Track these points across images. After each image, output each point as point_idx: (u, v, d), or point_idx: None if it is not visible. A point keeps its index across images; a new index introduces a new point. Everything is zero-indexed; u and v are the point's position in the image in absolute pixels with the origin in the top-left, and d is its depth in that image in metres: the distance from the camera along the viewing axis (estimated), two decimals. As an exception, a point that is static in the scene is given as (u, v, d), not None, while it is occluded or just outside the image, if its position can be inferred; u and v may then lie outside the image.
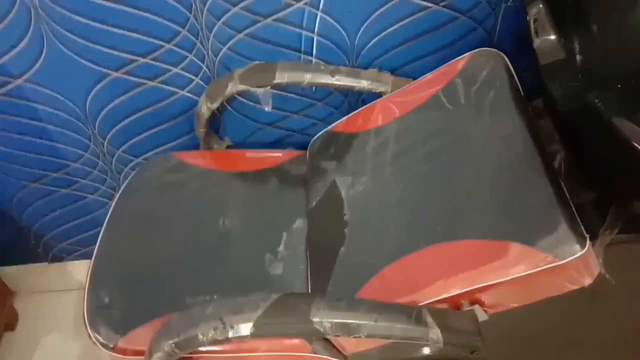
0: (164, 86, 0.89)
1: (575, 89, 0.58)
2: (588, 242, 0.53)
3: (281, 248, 0.75)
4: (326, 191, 0.77)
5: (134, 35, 0.81)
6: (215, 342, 0.53)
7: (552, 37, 0.60)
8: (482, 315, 0.59)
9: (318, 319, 0.53)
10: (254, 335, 0.52)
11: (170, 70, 0.87)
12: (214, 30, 0.81)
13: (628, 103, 0.63)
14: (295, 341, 0.65)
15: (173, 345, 0.54)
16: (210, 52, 0.85)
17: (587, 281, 0.55)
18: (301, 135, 0.96)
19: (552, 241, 0.54)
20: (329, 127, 0.88)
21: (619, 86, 0.64)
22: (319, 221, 0.75)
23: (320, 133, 0.88)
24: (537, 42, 0.61)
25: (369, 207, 0.71)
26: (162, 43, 0.83)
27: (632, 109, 0.61)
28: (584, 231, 0.54)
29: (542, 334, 0.76)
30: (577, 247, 0.53)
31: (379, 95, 0.85)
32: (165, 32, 0.81)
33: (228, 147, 0.96)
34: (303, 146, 0.93)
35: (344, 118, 0.87)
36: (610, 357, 0.78)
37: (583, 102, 0.54)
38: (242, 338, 0.53)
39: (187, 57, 0.85)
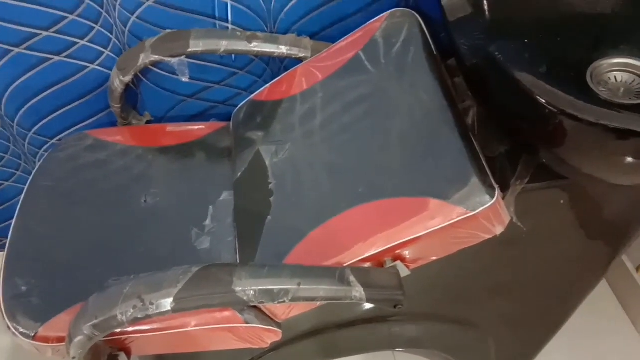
0: (72, 60, 0.84)
1: (480, 43, 0.59)
2: (497, 192, 0.56)
3: (208, 222, 0.74)
4: (251, 161, 0.76)
5: (32, 6, 0.75)
6: (136, 320, 0.52)
7: (459, -7, 0.61)
8: (404, 271, 0.61)
9: (241, 288, 0.53)
10: (175, 310, 0.52)
11: (76, 43, 0.82)
12: (119, -2, 0.77)
13: (532, 57, 0.65)
14: (226, 313, 0.65)
15: (92, 327, 0.53)
16: (118, 21, 0.80)
17: (499, 230, 0.57)
18: (225, 106, 0.94)
19: (464, 194, 0.56)
20: (252, 96, 0.86)
21: (526, 41, 0.66)
22: (244, 192, 0.75)
23: (243, 103, 0.86)
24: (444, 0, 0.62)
25: (293, 174, 0.71)
26: (64, 14, 0.77)
27: (536, 63, 0.63)
28: (493, 182, 0.56)
29: (463, 283, 0.79)
30: (487, 197, 0.55)
31: (300, 61, 0.84)
32: (66, 1, 0.76)
33: (148, 122, 0.92)
34: (228, 118, 0.90)
35: (266, 86, 0.85)
36: (529, 297, 0.83)
37: (486, 56, 0.56)
38: (163, 314, 0.52)
39: (93, 28, 0.80)
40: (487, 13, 0.64)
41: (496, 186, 0.56)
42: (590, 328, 1.08)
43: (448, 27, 0.63)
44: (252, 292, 0.53)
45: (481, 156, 0.59)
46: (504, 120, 0.61)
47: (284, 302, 0.54)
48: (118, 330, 0.62)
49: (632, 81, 0.68)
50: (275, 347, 0.83)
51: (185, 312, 0.55)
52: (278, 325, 0.69)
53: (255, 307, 0.66)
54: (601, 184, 0.66)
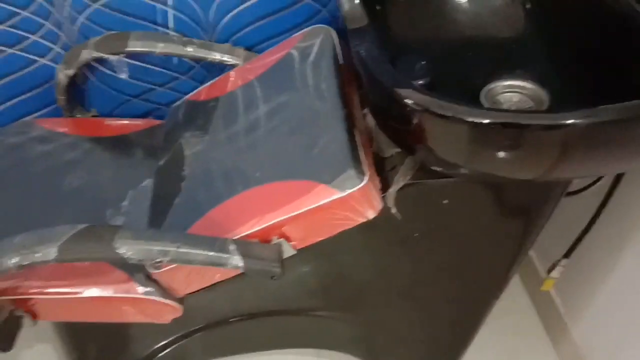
0: (23, 54, 0.91)
1: (368, 51, 0.66)
2: (366, 178, 0.62)
3: (125, 203, 0.79)
4: (172, 151, 0.82)
5: (-12, 1, 0.84)
6: (21, 267, 0.57)
7: (357, 1, 0.68)
8: (289, 251, 0.66)
9: (120, 245, 0.57)
10: (58, 259, 0.56)
11: (28, 38, 0.89)
12: (68, -2, 0.85)
13: (421, 72, 0.73)
14: (124, 285, 0.70)
15: (-18, 272, 0.57)
16: (68, 21, 0.88)
17: (370, 214, 0.63)
18: (168, 109, 1.00)
19: (339, 179, 0.62)
20: (186, 96, 0.93)
21: (422, 57, 0.74)
22: (162, 178, 0.80)
23: (179, 102, 0.93)
24: (344, 8, 0.69)
25: (204, 162, 0.77)
26: (16, 9, 0.85)
27: (423, 77, 0.70)
28: (365, 171, 0.62)
29: (367, 284, 0.84)
30: (357, 181, 0.61)
31: (234, 68, 0.91)
32: (20, -1, 0.84)
33: (93, 117, 0.99)
34: (169, 119, 0.97)
35: (200, 88, 0.92)
36: (435, 301, 0.87)
37: (364, 62, 0.62)
38: (46, 262, 0.56)
39: (43, 25, 0.88)
40: (383, 26, 0.72)
41: (366, 173, 0.62)
42: (509, 345, 1.11)
43: (346, 34, 0.70)
44: (131, 250, 0.58)
45: (358, 147, 0.65)
46: (386, 129, 0.68)
47: (162, 262, 0.59)
48: (20, 290, 0.66)
49: (523, 101, 0.75)
50: (188, 334, 0.87)
51: (68, 262, 0.59)
52: (179, 301, 0.73)
53: (154, 280, 0.71)
54: (480, 184, 0.72)
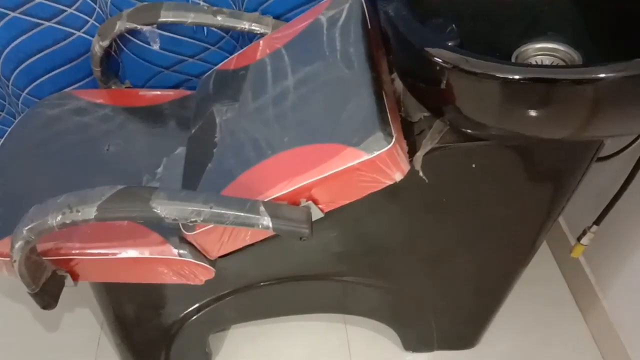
0: (61, 27, 0.94)
1: (395, 12, 0.65)
2: (394, 140, 0.62)
3: (160, 170, 0.82)
4: (204, 120, 0.84)
5: (26, -26, 0.86)
6: (64, 225, 0.60)
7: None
8: (317, 213, 0.67)
9: (157, 204, 0.60)
10: (98, 218, 0.59)
11: (65, 11, 0.92)
12: (101, -30, 0.87)
13: (451, 34, 0.72)
14: (162, 246, 0.72)
15: (28, 231, 0.61)
16: (101, -8, 0.90)
17: (398, 176, 0.64)
18: (198, 80, 1.02)
19: (367, 141, 0.62)
20: (216, 66, 0.95)
21: (455, 20, 0.73)
22: (194, 145, 0.83)
23: (209, 72, 0.95)
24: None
25: (234, 129, 0.78)
26: (53, -17, 0.88)
27: (452, 39, 0.70)
28: (393, 132, 0.63)
29: (397, 252, 0.85)
30: (384, 143, 0.61)
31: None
32: (55, -28, 0.87)
33: (128, 88, 1.02)
34: (200, 90, 0.98)
35: (229, 57, 0.94)
36: (463, 269, 0.88)
37: (393, 22, 0.62)
38: (87, 221, 0.59)
39: (79, -3, 0.91)
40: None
41: (394, 136, 0.62)
42: (538, 314, 1.11)
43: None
44: (167, 210, 0.60)
45: (387, 110, 0.65)
46: (415, 91, 0.68)
47: (196, 221, 0.61)
48: (62, 250, 0.70)
49: (556, 63, 0.74)
50: (220, 298, 0.90)
51: (108, 221, 0.62)
52: (211, 263, 0.76)
53: (189, 243, 0.73)
54: (509, 148, 0.71)
